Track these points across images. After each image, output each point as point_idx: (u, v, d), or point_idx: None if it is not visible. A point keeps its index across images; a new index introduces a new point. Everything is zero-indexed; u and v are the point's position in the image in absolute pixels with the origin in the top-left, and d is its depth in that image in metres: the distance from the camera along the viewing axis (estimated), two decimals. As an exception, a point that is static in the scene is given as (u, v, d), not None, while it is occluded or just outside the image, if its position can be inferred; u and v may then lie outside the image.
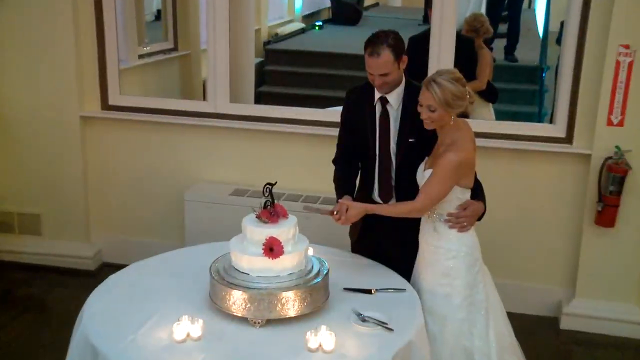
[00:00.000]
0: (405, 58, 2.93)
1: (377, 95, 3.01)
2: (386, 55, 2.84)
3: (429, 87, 2.72)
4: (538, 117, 5.26)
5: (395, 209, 2.89)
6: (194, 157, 4.51)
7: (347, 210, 2.85)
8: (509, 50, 5.74)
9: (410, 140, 2.97)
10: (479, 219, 2.93)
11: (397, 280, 2.92)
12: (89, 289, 2.83)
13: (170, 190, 4.55)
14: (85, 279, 4.51)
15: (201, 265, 2.83)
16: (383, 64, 2.85)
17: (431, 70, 4.02)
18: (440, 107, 2.71)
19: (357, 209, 2.87)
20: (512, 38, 5.78)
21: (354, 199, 3.22)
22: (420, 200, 2.78)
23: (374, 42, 2.87)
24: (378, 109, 3.03)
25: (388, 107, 3.01)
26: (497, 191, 3.97)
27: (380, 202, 3.08)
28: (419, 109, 2.78)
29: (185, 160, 4.53)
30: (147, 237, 4.67)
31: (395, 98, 2.99)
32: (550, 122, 4.14)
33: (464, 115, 2.92)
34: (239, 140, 4.42)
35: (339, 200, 2.97)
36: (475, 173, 2.94)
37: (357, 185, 3.18)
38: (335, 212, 2.86)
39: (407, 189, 2.88)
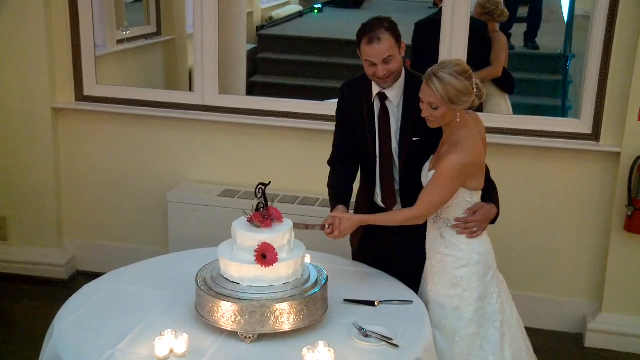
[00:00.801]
0: (404, 44, 2.95)
1: (374, 90, 3.02)
2: (387, 39, 2.87)
3: (429, 82, 2.71)
4: (561, 111, 5.27)
5: (392, 217, 2.91)
6: (179, 154, 4.52)
7: (340, 223, 2.86)
8: (530, 36, 5.74)
9: (414, 139, 2.98)
10: (492, 222, 2.94)
11: (403, 291, 2.94)
12: (61, 301, 2.84)
13: (153, 190, 4.56)
14: (57, 289, 4.53)
15: (186, 273, 2.84)
16: (386, 48, 2.86)
17: (442, 59, 4.02)
18: (442, 105, 2.71)
19: (351, 222, 2.89)
20: (533, 22, 5.79)
21: (355, 203, 3.24)
22: (419, 207, 2.79)
23: (369, 29, 2.88)
24: (376, 105, 3.04)
25: (387, 104, 3.02)
26: (514, 193, 4.00)
27: (383, 207, 3.10)
28: (421, 105, 2.79)
29: (169, 158, 4.54)
30: (126, 242, 4.69)
31: (395, 93, 2.99)
32: (575, 116, 4.15)
33: (476, 108, 2.91)
34: (229, 136, 4.43)
35: (332, 212, 2.98)
36: (488, 172, 2.96)
37: (355, 190, 3.19)
38: (327, 226, 2.88)
39: (414, 193, 2.87)
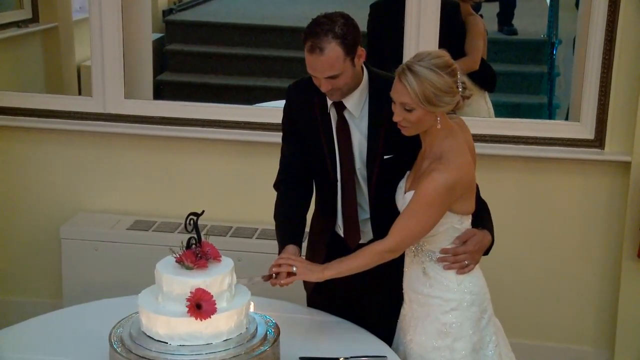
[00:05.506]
0: (362, 52, 2.90)
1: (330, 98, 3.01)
2: (333, 50, 2.81)
3: (402, 77, 2.72)
4: (548, 110, 5.39)
5: (360, 259, 2.84)
6: (74, 176, 4.49)
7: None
8: (504, 18, 5.87)
9: (385, 157, 2.99)
10: (486, 253, 2.98)
11: (373, 344, 2.94)
12: None
13: (40, 224, 4.52)
14: None
15: (92, 332, 2.81)
16: (329, 63, 2.81)
17: (407, 49, 4.08)
18: (418, 106, 2.72)
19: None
20: (508, 1, 5.91)
21: (310, 234, 3.25)
22: (394, 238, 2.79)
23: (314, 33, 2.83)
24: (333, 116, 3.03)
25: (346, 115, 3.01)
26: (501, 216, 4.03)
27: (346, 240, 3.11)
28: (392, 107, 2.80)
29: (61, 182, 4.50)
30: (5, 294, 4.61)
31: (355, 102, 2.98)
32: (572, 118, 4.22)
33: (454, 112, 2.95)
34: (140, 152, 4.43)
35: (280, 254, 2.96)
36: (478, 191, 3.00)
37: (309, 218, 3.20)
38: (274, 276, 2.86)
39: (389, 224, 2.84)
